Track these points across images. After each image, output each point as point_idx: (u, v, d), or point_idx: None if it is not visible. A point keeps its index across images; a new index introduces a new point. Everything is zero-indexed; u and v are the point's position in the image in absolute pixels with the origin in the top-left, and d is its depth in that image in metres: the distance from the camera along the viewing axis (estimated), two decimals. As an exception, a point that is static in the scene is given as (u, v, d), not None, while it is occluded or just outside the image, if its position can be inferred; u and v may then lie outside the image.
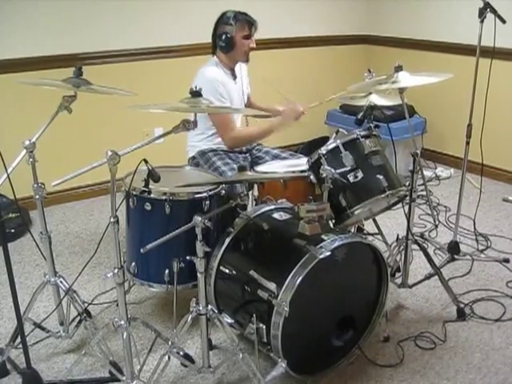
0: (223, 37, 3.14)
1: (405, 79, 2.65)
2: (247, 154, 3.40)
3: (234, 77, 3.31)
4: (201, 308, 2.23)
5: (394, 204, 2.85)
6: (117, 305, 2.13)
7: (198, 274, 2.19)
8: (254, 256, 2.48)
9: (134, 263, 2.60)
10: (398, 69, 2.67)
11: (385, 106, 3.04)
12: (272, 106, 3.49)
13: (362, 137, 2.59)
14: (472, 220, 3.71)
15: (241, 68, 3.38)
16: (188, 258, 2.34)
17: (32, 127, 2.29)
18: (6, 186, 2.07)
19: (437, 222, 3.86)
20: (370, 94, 2.98)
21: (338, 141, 2.58)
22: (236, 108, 3.24)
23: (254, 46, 3.21)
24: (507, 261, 3.36)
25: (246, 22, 3.14)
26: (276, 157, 3.33)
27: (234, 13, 3.14)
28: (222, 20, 3.16)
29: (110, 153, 1.88)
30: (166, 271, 2.51)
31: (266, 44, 4.74)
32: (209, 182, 2.68)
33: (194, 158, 3.33)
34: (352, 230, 2.99)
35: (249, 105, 3.58)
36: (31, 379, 2.23)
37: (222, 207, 2.54)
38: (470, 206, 3.90)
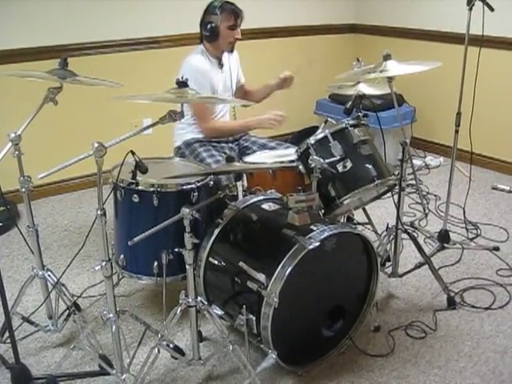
0: (208, 26, 3.12)
1: (393, 68, 2.63)
2: (234, 144, 3.38)
3: (221, 65, 3.29)
4: (190, 300, 2.22)
5: (384, 193, 2.84)
6: (106, 298, 2.12)
7: (187, 266, 2.18)
8: (243, 247, 2.47)
9: (122, 256, 2.58)
10: (387, 57, 2.66)
11: (373, 95, 3.03)
12: (265, 83, 3.52)
13: (350, 126, 2.57)
14: (462, 208, 3.71)
15: (229, 57, 3.35)
16: (177, 250, 2.33)
17: (17, 119, 2.26)
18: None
19: (426, 211, 3.88)
20: (359, 83, 2.97)
21: (327, 130, 2.56)
22: (223, 98, 3.19)
23: (240, 36, 3.19)
24: (497, 249, 3.37)
25: (232, 12, 3.12)
26: (263, 146, 3.31)
27: (221, 2, 3.11)
28: (209, 9, 3.14)
29: (96, 144, 1.86)
30: (155, 263, 2.48)
31: (254, 34, 4.73)
32: (197, 173, 2.66)
33: (179, 148, 3.31)
34: (341, 220, 2.98)
35: (244, 93, 3.56)
36: (20, 374, 2.21)
37: (210, 198, 2.53)
38: (460, 194, 3.90)
